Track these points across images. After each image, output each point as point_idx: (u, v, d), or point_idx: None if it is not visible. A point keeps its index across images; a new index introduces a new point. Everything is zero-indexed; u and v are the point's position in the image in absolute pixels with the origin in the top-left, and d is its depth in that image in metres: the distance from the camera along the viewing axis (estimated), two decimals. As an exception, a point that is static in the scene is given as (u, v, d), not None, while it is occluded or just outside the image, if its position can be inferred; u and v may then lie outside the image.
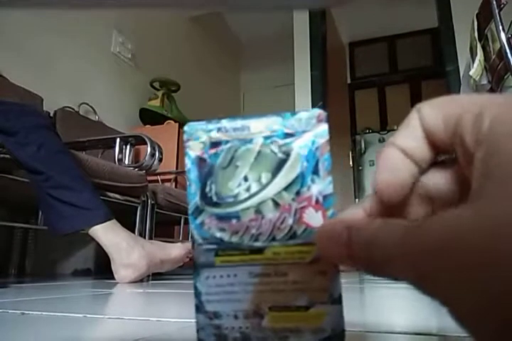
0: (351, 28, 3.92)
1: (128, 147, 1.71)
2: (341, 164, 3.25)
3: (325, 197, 0.19)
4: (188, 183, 0.20)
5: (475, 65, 1.69)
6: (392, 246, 0.14)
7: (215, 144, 0.20)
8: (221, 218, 0.20)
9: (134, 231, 1.44)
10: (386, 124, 4.12)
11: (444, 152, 0.17)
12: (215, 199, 0.20)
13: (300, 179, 0.20)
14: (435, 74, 3.74)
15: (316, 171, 0.20)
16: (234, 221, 0.20)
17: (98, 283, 1.23)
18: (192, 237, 0.20)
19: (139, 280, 1.14)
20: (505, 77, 1.56)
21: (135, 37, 2.64)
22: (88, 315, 0.48)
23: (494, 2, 1.49)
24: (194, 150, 0.20)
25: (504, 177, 0.12)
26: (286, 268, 0.19)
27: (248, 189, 0.20)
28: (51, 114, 1.89)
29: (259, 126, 0.20)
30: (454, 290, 0.12)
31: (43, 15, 1.96)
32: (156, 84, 2.59)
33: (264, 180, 0.20)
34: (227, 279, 0.20)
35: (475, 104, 0.15)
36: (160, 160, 1.64)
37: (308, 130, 0.20)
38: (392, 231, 0.15)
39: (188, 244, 1.23)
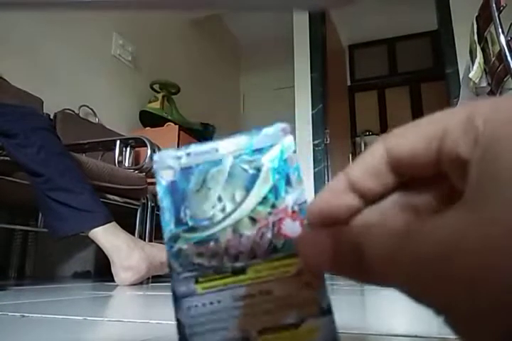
0: (351, 31, 3.93)
1: (128, 149, 1.72)
2: (341, 166, 3.25)
3: (300, 205, 0.19)
4: (161, 211, 0.20)
5: (475, 67, 1.70)
6: (383, 249, 0.14)
7: (186, 169, 0.20)
8: (199, 243, 0.19)
9: (134, 234, 1.44)
10: (386, 126, 4.12)
11: (413, 175, 0.16)
12: (190, 224, 0.19)
13: (273, 192, 0.19)
14: (435, 76, 3.75)
15: (288, 182, 0.19)
16: (212, 243, 0.19)
17: (98, 286, 1.23)
18: (169, 267, 0.19)
19: (139, 283, 1.14)
20: (505, 79, 1.57)
21: (135, 39, 2.65)
22: (88, 318, 0.47)
23: (494, 5, 1.50)
24: (165, 178, 0.20)
25: (502, 178, 0.12)
26: (271, 285, 0.19)
27: (223, 209, 0.19)
28: (51, 116, 1.89)
29: (228, 147, 0.20)
30: (456, 295, 0.12)
31: (43, 17, 1.96)
32: (156, 87, 2.59)
33: (238, 198, 0.19)
34: (210, 307, 0.19)
35: (458, 114, 0.14)
36: (160, 162, 1.64)
37: (276, 143, 0.20)
38: (382, 234, 0.14)
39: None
